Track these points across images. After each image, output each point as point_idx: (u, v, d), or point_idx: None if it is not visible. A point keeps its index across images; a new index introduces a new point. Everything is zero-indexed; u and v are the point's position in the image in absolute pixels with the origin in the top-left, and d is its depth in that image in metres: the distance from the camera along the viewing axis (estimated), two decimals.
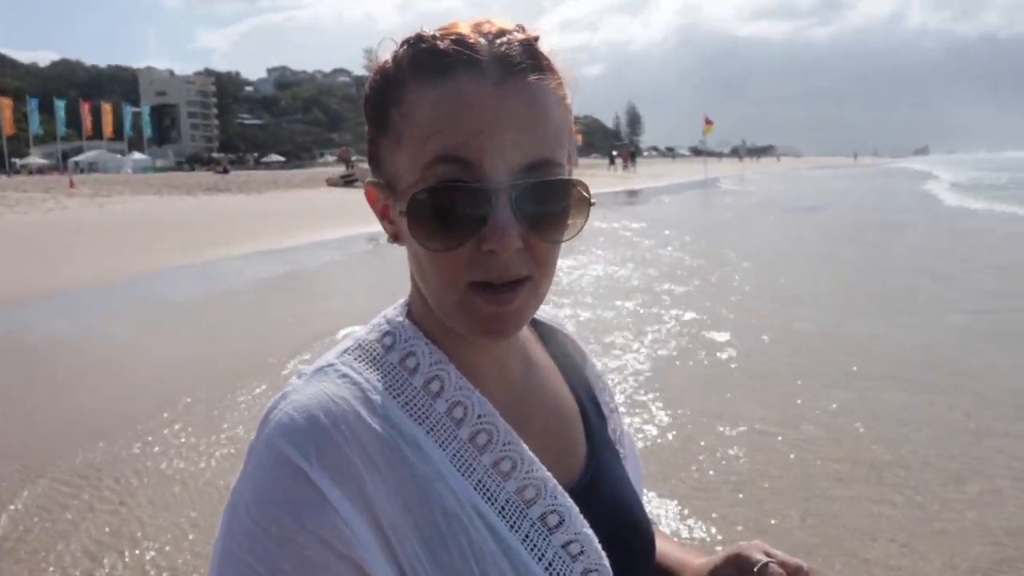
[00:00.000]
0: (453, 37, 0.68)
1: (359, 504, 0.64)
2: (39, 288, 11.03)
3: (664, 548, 0.93)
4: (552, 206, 0.68)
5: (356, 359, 0.73)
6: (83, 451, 5.06)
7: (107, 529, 3.98)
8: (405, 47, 0.71)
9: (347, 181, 37.86)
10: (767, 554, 0.82)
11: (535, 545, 0.69)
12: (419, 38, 0.70)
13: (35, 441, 5.33)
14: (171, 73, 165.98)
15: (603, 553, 0.72)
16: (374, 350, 0.74)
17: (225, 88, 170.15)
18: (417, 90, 0.68)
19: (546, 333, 0.91)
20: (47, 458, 4.96)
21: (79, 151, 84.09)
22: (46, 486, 4.53)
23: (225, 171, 60.29)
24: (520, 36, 0.70)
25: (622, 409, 0.89)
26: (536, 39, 0.71)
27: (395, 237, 0.75)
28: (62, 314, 9.88)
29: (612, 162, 70.32)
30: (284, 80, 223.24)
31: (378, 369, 0.72)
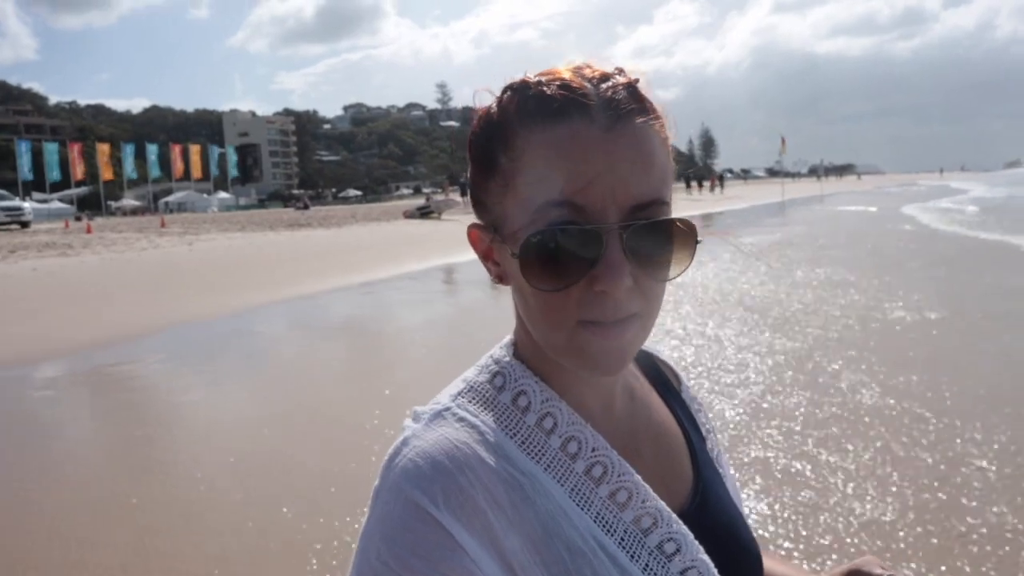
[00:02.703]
0: (559, 83, 0.70)
1: (487, 545, 0.65)
2: (134, 327, 11.34)
3: (774, 568, 0.95)
4: (661, 245, 0.70)
5: (470, 401, 0.75)
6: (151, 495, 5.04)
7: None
8: (510, 93, 0.73)
9: (424, 213, 38.38)
10: (884, 569, 0.84)
11: (655, 574, 0.71)
12: (525, 84, 0.72)
13: (104, 477, 5.36)
14: (253, 114, 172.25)
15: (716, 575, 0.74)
16: (486, 391, 0.76)
17: (304, 126, 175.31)
18: (526, 136, 0.69)
19: (643, 359, 0.93)
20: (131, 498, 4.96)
21: (169, 192, 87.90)
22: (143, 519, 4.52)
23: (305, 207, 62.08)
24: (623, 80, 0.72)
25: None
26: (637, 81, 0.72)
27: (500, 278, 0.76)
28: (167, 353, 10.10)
29: (688, 186, 69.86)
30: (360, 116, 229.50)
31: (492, 410, 0.74)
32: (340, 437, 5.91)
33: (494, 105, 0.74)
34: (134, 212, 71.54)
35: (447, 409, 0.73)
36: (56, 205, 63.78)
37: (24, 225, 36.53)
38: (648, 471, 0.77)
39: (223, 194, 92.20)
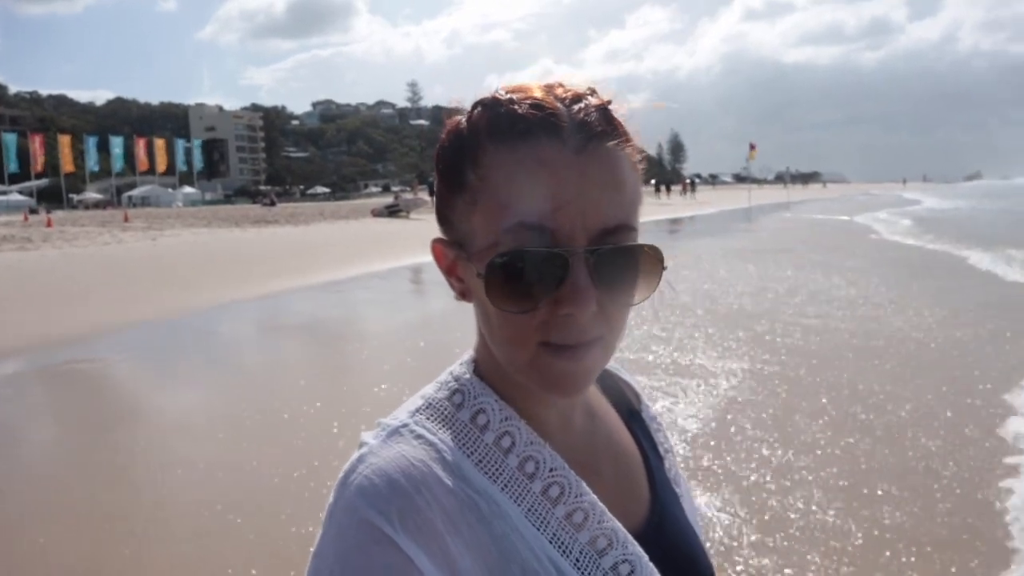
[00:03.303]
0: (531, 102, 0.69)
1: (443, 566, 0.65)
2: (95, 325, 11.17)
3: None
4: (627, 270, 0.69)
5: (428, 419, 0.74)
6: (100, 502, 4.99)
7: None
8: (480, 109, 0.72)
9: (392, 212, 38.25)
10: None
11: None
12: (495, 101, 0.71)
13: (56, 484, 5.30)
14: (220, 109, 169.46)
15: None
16: (445, 408, 0.75)
17: (272, 122, 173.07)
18: (495, 154, 0.69)
19: (604, 378, 0.91)
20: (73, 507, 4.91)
21: (132, 186, 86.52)
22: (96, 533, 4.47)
23: (272, 203, 61.54)
24: (595, 101, 0.71)
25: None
26: (609, 103, 0.72)
27: (463, 294, 0.76)
28: (123, 353, 9.96)
29: (657, 191, 70.92)
30: (329, 113, 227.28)
31: (450, 428, 0.73)
32: (304, 440, 5.89)
33: (463, 120, 0.73)
34: (96, 205, 70.26)
35: (404, 426, 0.73)
36: (15, 197, 62.39)
37: None
38: (606, 491, 0.76)
39: (188, 189, 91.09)
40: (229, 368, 9.13)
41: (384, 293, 14.90)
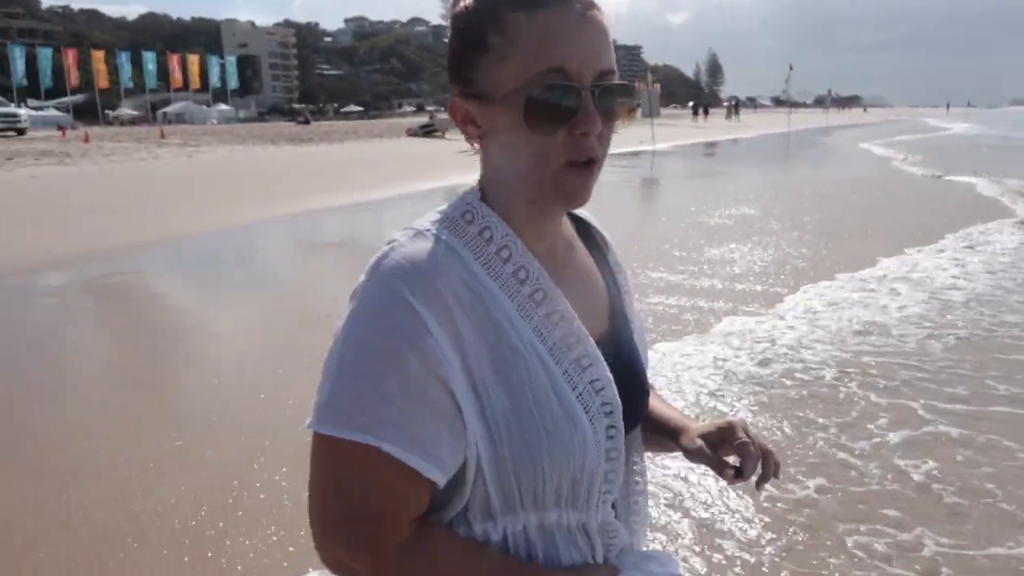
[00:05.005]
0: None
1: (450, 334, 0.86)
2: (134, 239, 11.19)
3: (665, 411, 1.17)
4: (616, 102, 0.93)
5: (445, 228, 0.94)
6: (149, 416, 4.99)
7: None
8: None
9: (427, 131, 37.75)
10: (747, 433, 1.03)
11: (571, 378, 0.93)
12: None
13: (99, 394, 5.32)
14: (252, 25, 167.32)
15: (616, 391, 0.96)
16: (458, 222, 0.95)
17: (304, 39, 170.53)
18: (517, 19, 0.89)
19: (581, 224, 1.14)
20: (130, 403, 4.92)
21: (167, 102, 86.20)
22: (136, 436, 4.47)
23: (307, 121, 61.11)
24: None
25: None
26: None
27: (480, 138, 0.96)
28: (167, 268, 9.98)
29: (695, 114, 67.84)
30: (362, 30, 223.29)
31: (462, 237, 0.94)
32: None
33: None
34: (132, 122, 70.17)
35: (427, 230, 0.94)
36: (52, 112, 62.59)
37: (20, 132, 35.79)
38: (574, 305, 0.97)
39: (223, 106, 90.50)
40: (267, 283, 9.10)
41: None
